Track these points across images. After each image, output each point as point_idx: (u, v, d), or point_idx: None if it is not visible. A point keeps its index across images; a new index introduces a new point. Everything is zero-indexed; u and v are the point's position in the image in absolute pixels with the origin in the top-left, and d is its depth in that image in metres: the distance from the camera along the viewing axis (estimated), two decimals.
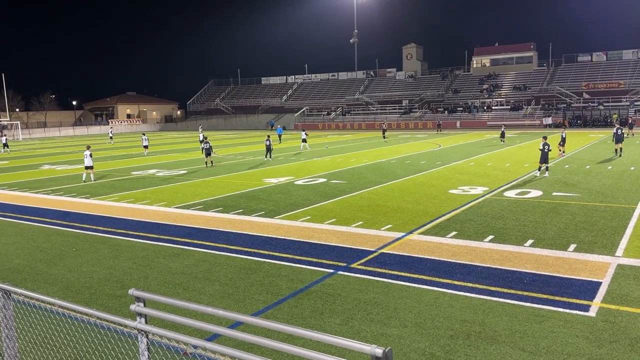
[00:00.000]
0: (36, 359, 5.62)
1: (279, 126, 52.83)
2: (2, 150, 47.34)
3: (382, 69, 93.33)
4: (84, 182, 22.41)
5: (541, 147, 20.23)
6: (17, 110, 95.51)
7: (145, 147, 38.05)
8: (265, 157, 30.35)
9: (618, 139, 26.88)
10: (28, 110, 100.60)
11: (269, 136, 31.93)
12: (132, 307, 3.73)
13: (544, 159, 20.16)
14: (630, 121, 45.78)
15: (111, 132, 60.15)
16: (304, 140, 37.43)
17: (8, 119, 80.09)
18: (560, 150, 27.37)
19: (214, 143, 47.32)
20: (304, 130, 40.06)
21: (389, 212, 14.28)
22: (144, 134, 40.76)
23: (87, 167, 22.71)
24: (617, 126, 27.93)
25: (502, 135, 39.26)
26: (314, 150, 36.75)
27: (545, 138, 20.88)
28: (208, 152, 27.27)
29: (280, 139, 46.63)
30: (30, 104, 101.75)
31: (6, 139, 49.80)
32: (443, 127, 64.07)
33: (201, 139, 41.08)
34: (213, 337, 6.25)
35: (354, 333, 6.76)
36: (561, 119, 61.23)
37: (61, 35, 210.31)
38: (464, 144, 39.70)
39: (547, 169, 20.59)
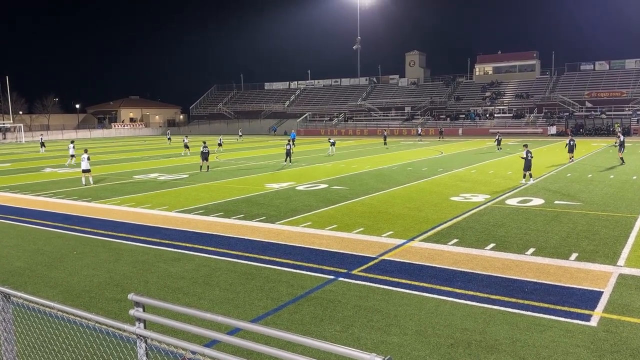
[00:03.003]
0: None
1: (292, 131, 55.51)
2: (41, 149, 48.52)
3: (385, 76, 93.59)
4: (84, 185, 22.45)
5: (524, 156, 20.78)
6: (21, 113, 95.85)
7: (187, 147, 41.72)
8: (285, 161, 31.36)
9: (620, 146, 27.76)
10: (31, 113, 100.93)
11: (289, 140, 33.61)
12: (131, 312, 3.72)
13: (528, 166, 20.65)
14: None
15: (169, 133, 68.55)
16: (333, 144, 39.51)
17: (12, 121, 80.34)
18: (570, 157, 28.75)
19: (225, 146, 47.55)
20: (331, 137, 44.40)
21: (391, 218, 14.26)
22: (186, 136, 46.74)
23: (84, 171, 22.81)
24: (619, 134, 28.94)
25: (499, 142, 40.16)
26: (316, 156, 36.81)
27: (526, 146, 21.54)
28: (205, 156, 27.17)
29: (293, 143, 47.64)
30: (34, 107, 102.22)
31: (42, 138, 51.98)
32: (445, 134, 64.07)
33: (220, 143, 45.16)
34: (212, 343, 6.22)
35: (354, 340, 6.73)
36: (563, 128, 61.37)
37: (65, 38, 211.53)
38: (466, 151, 39.69)
39: (530, 175, 20.98)
